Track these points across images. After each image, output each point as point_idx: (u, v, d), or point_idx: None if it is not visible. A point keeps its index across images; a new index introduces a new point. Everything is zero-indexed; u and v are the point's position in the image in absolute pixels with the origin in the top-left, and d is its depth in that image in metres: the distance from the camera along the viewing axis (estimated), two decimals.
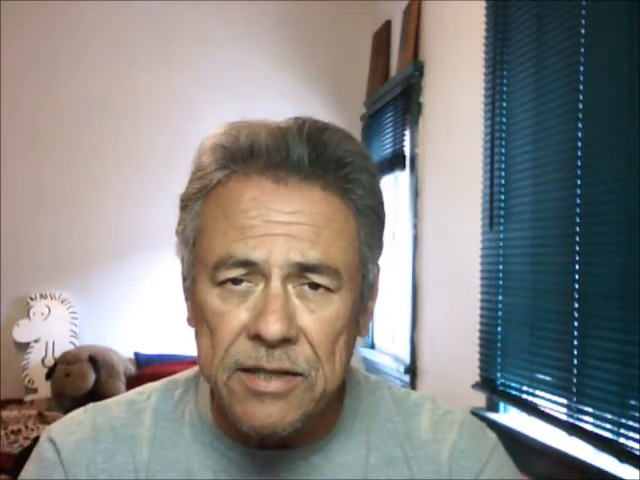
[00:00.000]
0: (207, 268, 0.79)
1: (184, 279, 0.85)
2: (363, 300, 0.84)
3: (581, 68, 2.11)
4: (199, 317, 0.81)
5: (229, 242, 0.77)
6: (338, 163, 0.80)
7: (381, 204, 0.84)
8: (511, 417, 2.56)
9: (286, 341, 0.76)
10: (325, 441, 0.87)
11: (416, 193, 3.46)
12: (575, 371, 2.09)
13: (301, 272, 0.77)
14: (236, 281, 0.78)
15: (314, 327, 0.78)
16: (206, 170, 0.81)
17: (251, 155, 0.79)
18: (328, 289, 0.78)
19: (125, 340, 4.20)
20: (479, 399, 2.71)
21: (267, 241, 0.77)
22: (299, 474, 0.85)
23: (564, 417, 2.15)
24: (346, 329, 0.80)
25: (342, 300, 0.79)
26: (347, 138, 0.82)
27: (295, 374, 0.77)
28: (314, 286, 0.78)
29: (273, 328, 0.75)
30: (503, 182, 2.61)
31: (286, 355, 0.76)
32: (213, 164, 0.81)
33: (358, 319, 0.84)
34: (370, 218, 0.83)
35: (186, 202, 0.83)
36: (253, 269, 0.77)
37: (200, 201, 0.82)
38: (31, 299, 4.23)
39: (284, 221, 0.77)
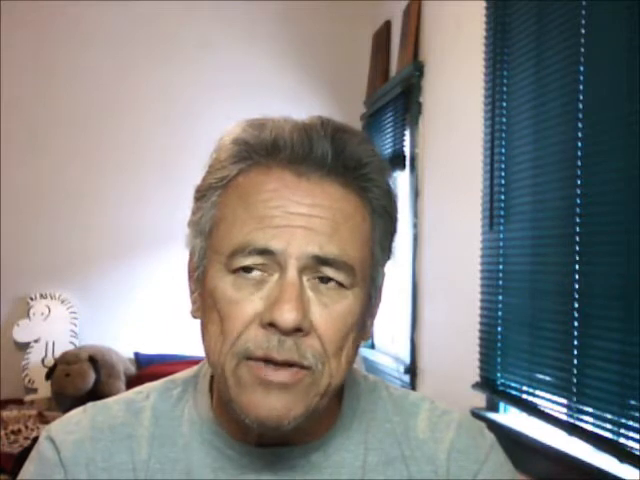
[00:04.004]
0: (222, 256, 0.79)
1: (194, 269, 0.85)
2: (370, 302, 0.85)
3: (581, 68, 2.11)
4: (209, 305, 0.81)
5: (248, 231, 0.78)
6: (358, 162, 0.81)
7: (395, 207, 0.85)
8: (511, 417, 2.55)
9: (298, 331, 0.77)
10: (324, 439, 0.87)
11: (416, 193, 3.46)
12: (575, 371, 2.09)
13: (317, 265, 0.78)
14: (251, 270, 0.78)
15: (326, 321, 0.78)
16: (227, 162, 0.82)
17: (274, 148, 0.80)
18: (342, 285, 0.79)
19: (125, 340, 4.20)
20: (479, 399, 2.71)
21: (286, 232, 0.77)
22: (298, 472, 0.85)
23: (564, 417, 2.15)
24: (355, 327, 0.81)
25: (354, 297, 0.80)
26: (366, 141, 0.84)
27: (302, 367, 0.78)
28: (328, 280, 0.79)
29: (288, 316, 0.75)
30: (503, 182, 2.61)
31: (296, 347, 0.77)
32: (234, 156, 0.82)
33: (365, 320, 0.84)
34: (385, 219, 0.84)
35: (203, 192, 0.83)
36: (270, 258, 0.78)
37: (219, 191, 0.82)
38: (31, 299, 4.22)
39: (304, 213, 0.78)
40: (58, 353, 4.01)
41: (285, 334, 0.76)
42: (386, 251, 0.85)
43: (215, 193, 0.82)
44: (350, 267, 0.79)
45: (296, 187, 0.79)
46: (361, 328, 0.83)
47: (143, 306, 4.32)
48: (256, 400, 0.78)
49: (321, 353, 0.78)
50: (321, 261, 0.78)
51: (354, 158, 0.81)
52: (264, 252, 0.77)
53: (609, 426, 1.92)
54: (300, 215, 0.78)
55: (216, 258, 0.80)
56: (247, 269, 0.78)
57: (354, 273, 0.79)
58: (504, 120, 2.61)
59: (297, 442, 0.85)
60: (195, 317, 0.85)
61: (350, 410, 0.90)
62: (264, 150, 0.80)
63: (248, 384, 0.78)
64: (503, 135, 2.61)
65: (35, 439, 0.90)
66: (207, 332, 0.81)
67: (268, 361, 0.77)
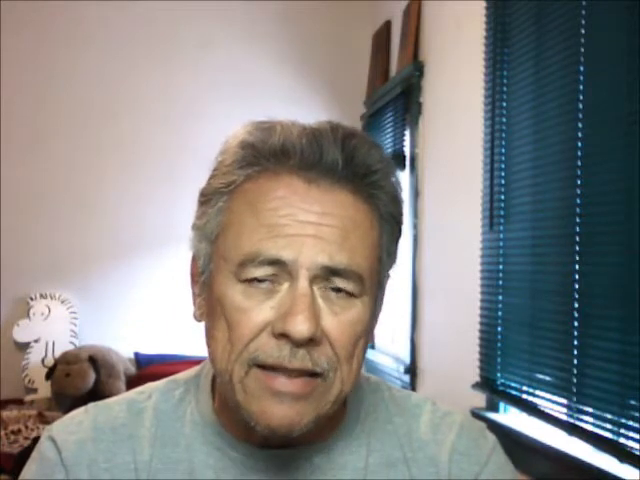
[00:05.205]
0: (231, 264, 0.79)
1: (199, 273, 0.84)
2: (377, 306, 0.85)
3: (581, 68, 2.11)
4: (216, 312, 0.80)
5: (257, 239, 0.77)
6: (367, 169, 0.80)
7: (401, 212, 0.85)
8: (511, 417, 2.55)
9: (311, 341, 0.76)
10: (328, 442, 0.87)
11: (416, 193, 3.46)
12: (575, 371, 2.09)
13: (327, 275, 0.78)
14: (262, 280, 0.78)
15: (337, 329, 0.78)
16: (233, 166, 0.81)
17: (283, 154, 0.79)
18: (351, 294, 0.79)
19: (125, 340, 4.20)
20: (479, 399, 2.71)
21: (297, 241, 0.77)
22: (300, 474, 0.85)
23: (564, 417, 2.15)
24: (365, 333, 0.81)
25: (363, 305, 0.80)
26: (374, 146, 0.82)
27: (314, 375, 0.77)
28: (338, 289, 0.78)
29: (302, 327, 0.75)
30: (503, 182, 2.61)
31: (309, 355, 0.77)
32: (241, 160, 0.80)
33: (373, 325, 0.84)
34: (392, 225, 0.84)
35: (209, 197, 0.82)
36: (280, 268, 0.77)
37: (226, 197, 0.81)
38: (31, 299, 4.22)
39: (314, 222, 0.77)
40: (58, 353, 4.01)
41: (298, 345, 0.76)
42: (392, 256, 0.85)
43: (222, 198, 0.81)
44: (359, 276, 0.79)
45: (306, 194, 0.78)
46: (369, 334, 0.83)
47: (143, 306, 4.32)
48: (268, 409, 0.77)
49: (333, 360, 0.78)
50: (331, 271, 0.77)
51: (364, 165, 0.80)
52: (275, 262, 0.77)
53: (609, 426, 1.92)
54: (310, 223, 0.77)
55: (224, 265, 0.79)
56: (258, 279, 0.78)
57: (363, 282, 0.79)
58: (504, 120, 2.61)
59: (301, 444, 0.85)
60: (199, 321, 0.85)
61: (354, 412, 0.90)
62: (273, 156, 0.79)
63: (257, 393, 0.78)
64: (503, 135, 2.61)
65: (35, 439, 0.90)
66: (214, 339, 0.80)
67: (279, 369, 0.77)
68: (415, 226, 3.46)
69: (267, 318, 0.77)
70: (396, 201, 0.84)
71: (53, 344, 4.17)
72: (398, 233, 0.85)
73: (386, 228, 0.83)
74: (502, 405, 2.61)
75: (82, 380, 3.79)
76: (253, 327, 0.77)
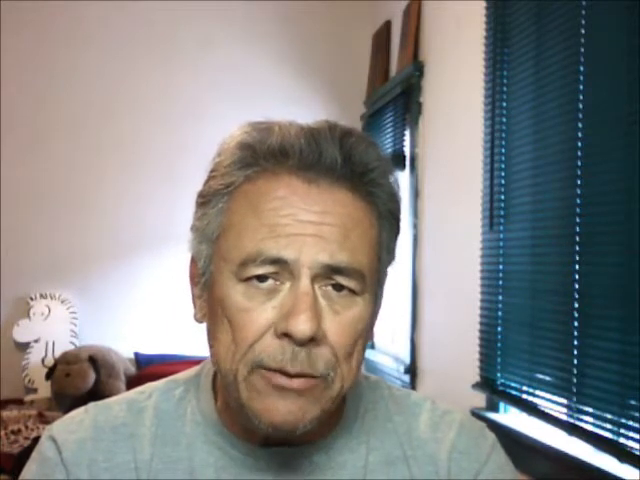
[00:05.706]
0: (232, 264, 0.79)
1: (199, 275, 0.84)
2: (377, 304, 0.85)
3: (581, 68, 2.11)
4: (218, 313, 0.80)
5: (259, 239, 0.77)
6: (365, 167, 0.81)
7: (399, 208, 0.85)
8: (511, 417, 2.56)
9: (311, 340, 0.76)
10: (328, 440, 0.87)
11: (416, 193, 3.47)
12: (575, 371, 2.09)
13: (328, 273, 0.78)
14: (262, 278, 0.78)
15: (337, 329, 0.78)
16: (232, 167, 0.81)
17: (282, 154, 0.79)
18: (352, 291, 0.79)
19: (125, 340, 4.20)
20: (479, 399, 2.71)
21: (298, 240, 0.77)
22: (301, 472, 0.86)
23: (564, 417, 2.15)
24: (365, 331, 0.81)
25: (364, 303, 0.80)
26: (371, 144, 0.83)
27: (314, 377, 0.78)
28: (339, 287, 0.79)
29: (304, 327, 0.75)
30: (503, 182, 2.61)
31: (308, 358, 0.77)
32: (239, 161, 0.81)
33: (372, 323, 0.85)
34: (390, 222, 0.84)
35: (209, 198, 0.82)
36: (282, 267, 0.77)
37: (225, 198, 0.81)
38: (31, 299, 4.22)
39: (314, 221, 0.78)
40: (58, 353, 4.01)
41: (300, 345, 0.76)
42: (391, 253, 0.85)
43: (222, 199, 0.81)
44: (361, 273, 0.79)
45: (306, 194, 0.78)
46: (369, 331, 0.83)
47: (143, 306, 4.32)
48: (272, 406, 0.78)
49: (332, 361, 0.78)
50: (332, 269, 0.78)
51: (362, 163, 0.80)
52: (276, 261, 0.77)
53: (609, 426, 1.92)
54: (311, 223, 0.77)
55: (225, 266, 0.80)
56: (259, 278, 0.78)
57: (364, 279, 0.79)
58: (504, 120, 2.61)
59: (301, 442, 0.85)
60: (200, 322, 0.85)
61: (353, 410, 0.90)
62: (272, 156, 0.79)
63: (262, 390, 0.78)
64: (503, 135, 2.61)
65: (35, 439, 0.90)
66: (217, 340, 0.81)
67: (281, 372, 0.77)
68: (415, 226, 3.46)
69: (270, 318, 0.77)
70: (394, 198, 0.84)
71: (53, 344, 4.17)
72: (397, 230, 0.86)
73: (385, 225, 0.83)
74: (502, 405, 2.61)
75: (82, 380, 3.79)
76: (257, 329, 0.77)
